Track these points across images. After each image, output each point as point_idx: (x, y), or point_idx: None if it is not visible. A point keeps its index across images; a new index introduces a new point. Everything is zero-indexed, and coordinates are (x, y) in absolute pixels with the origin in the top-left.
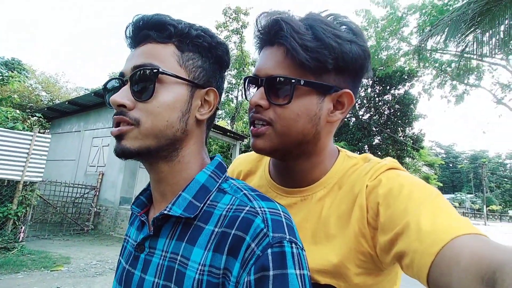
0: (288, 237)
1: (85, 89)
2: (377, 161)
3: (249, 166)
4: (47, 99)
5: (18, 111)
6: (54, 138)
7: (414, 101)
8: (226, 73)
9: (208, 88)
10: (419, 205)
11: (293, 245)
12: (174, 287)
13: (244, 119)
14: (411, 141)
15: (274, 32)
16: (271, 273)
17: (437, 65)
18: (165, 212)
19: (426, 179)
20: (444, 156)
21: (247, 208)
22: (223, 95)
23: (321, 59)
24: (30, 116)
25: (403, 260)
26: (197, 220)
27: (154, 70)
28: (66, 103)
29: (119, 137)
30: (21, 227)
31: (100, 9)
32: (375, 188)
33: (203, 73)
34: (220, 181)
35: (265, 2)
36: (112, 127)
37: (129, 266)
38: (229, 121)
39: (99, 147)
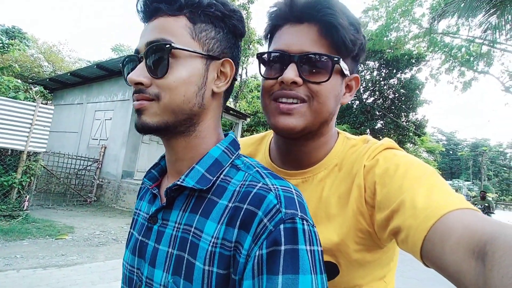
0: (300, 214)
1: (87, 61)
2: (375, 142)
3: (249, 150)
4: (49, 70)
5: (20, 81)
6: (57, 110)
7: (420, 86)
8: (241, 43)
9: (224, 59)
10: (414, 183)
11: (304, 222)
12: (187, 257)
13: (248, 98)
14: (414, 127)
15: (318, 8)
16: (282, 247)
17: (446, 49)
18: (178, 182)
19: None
20: (445, 143)
21: (259, 184)
22: None
23: (355, 42)
24: (32, 87)
25: (398, 235)
26: (210, 194)
27: (167, 46)
28: (68, 74)
29: (139, 111)
30: (26, 196)
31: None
32: (373, 168)
33: (217, 44)
34: (233, 157)
35: None
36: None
37: (142, 237)
38: (231, 99)
39: (102, 120)
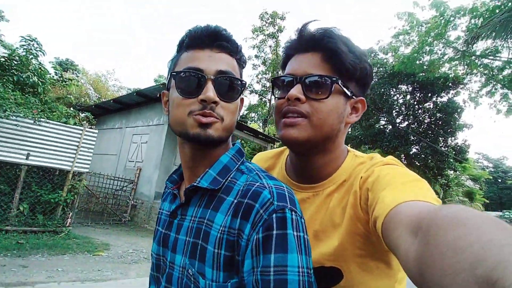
0: (289, 206)
1: (128, 89)
2: (380, 158)
3: (267, 164)
4: (94, 97)
5: (71, 108)
6: (99, 134)
7: (459, 110)
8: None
9: (242, 97)
10: (395, 187)
11: (293, 212)
12: (201, 243)
13: None
14: (454, 152)
15: (321, 37)
16: (274, 232)
17: (486, 71)
18: (195, 184)
19: (470, 194)
20: (492, 170)
21: (257, 183)
22: (257, 98)
23: (355, 66)
24: (80, 113)
25: (375, 227)
26: (220, 193)
27: (243, 82)
28: (111, 101)
29: (207, 125)
30: (69, 213)
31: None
32: (368, 178)
33: None
34: (239, 163)
35: (302, 6)
36: (190, 115)
37: (165, 230)
38: (261, 124)
39: (138, 143)
